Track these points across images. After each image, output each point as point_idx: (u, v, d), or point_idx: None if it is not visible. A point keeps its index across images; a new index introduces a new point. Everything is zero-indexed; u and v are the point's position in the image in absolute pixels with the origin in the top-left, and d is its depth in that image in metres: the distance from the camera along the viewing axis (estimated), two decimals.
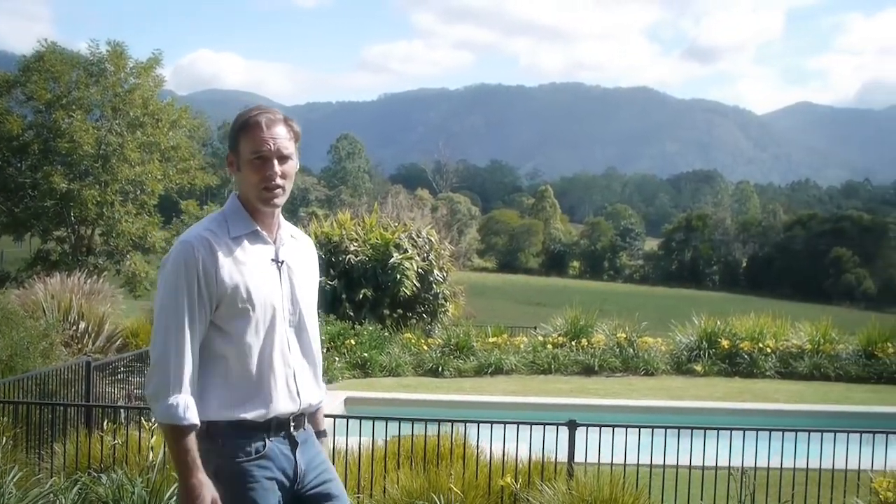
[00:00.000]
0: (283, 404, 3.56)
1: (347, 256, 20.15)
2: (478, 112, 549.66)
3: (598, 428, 7.73)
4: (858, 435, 8.30)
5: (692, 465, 7.89)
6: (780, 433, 8.43)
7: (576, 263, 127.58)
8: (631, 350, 18.44)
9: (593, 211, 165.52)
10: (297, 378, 3.61)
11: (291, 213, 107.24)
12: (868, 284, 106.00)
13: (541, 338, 19.10)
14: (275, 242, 3.65)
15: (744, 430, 7.96)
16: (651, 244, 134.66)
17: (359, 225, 21.19)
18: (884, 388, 17.28)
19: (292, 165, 3.64)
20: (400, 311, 21.00)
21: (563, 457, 7.65)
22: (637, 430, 7.79)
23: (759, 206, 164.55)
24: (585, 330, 19.29)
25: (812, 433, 7.85)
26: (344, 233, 20.73)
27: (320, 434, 3.87)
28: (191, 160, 36.88)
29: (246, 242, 3.56)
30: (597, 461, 7.66)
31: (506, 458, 7.81)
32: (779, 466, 8.84)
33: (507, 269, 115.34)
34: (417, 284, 20.96)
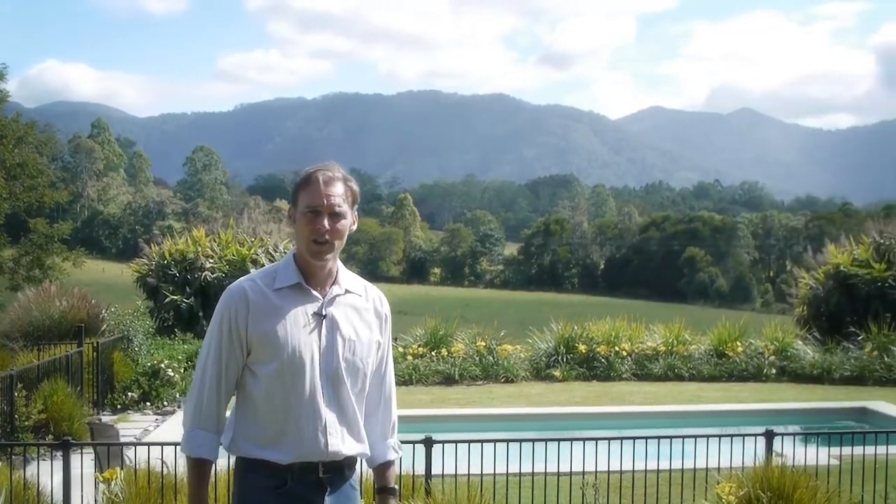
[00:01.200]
0: (307, 450, 3.68)
1: (203, 273, 19.84)
2: (336, 121, 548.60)
3: (454, 444, 7.77)
4: (706, 438, 8.50)
5: (547, 472, 7.98)
6: (632, 441, 8.57)
7: (437, 270, 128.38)
8: (491, 358, 18.59)
9: (453, 217, 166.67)
10: (327, 428, 3.71)
11: (145, 226, 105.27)
12: (720, 283, 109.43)
13: (401, 349, 19.11)
14: (323, 296, 3.78)
15: (596, 439, 8.08)
16: (511, 249, 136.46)
17: (214, 241, 20.89)
18: (733, 387, 17.85)
19: (345, 224, 3.77)
20: None
21: (421, 471, 7.67)
22: (493, 444, 7.87)
23: (614, 208, 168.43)
24: (445, 339, 19.38)
25: (662, 440, 8.01)
26: (199, 249, 20.40)
27: (386, 491, 4.02)
28: (39, 177, 35.63)
29: (288, 294, 3.73)
30: (456, 474, 7.70)
31: (364, 476, 7.78)
32: (631, 469, 9.02)
33: (368, 278, 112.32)
34: None
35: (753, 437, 8.49)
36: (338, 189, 3.76)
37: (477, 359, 18.59)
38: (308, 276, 3.77)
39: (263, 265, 20.35)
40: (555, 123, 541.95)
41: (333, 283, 3.82)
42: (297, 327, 3.70)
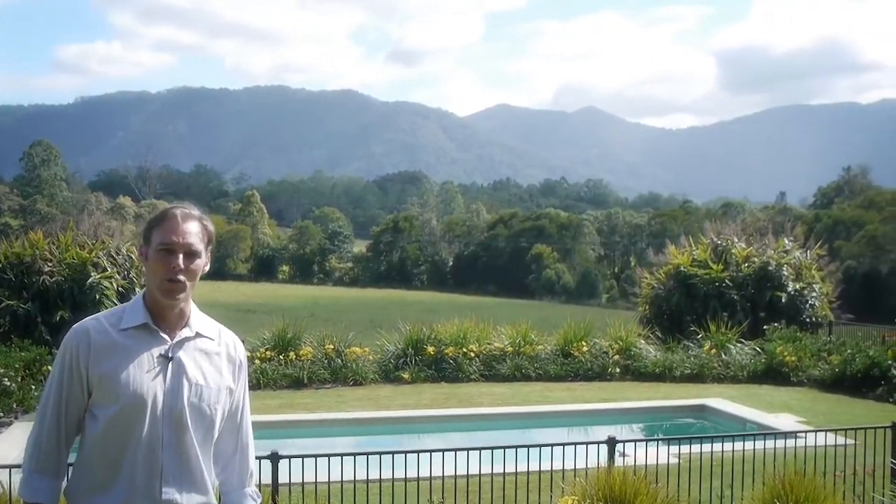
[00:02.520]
0: (139, 498, 3.54)
1: (42, 277, 19.15)
2: (181, 115, 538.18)
3: (300, 459, 7.70)
4: (550, 447, 8.62)
5: (395, 478, 7.97)
6: (478, 451, 8.62)
7: (285, 268, 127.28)
8: (339, 361, 18.49)
9: (301, 215, 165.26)
10: (163, 474, 3.56)
11: None
12: (567, 279, 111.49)
13: (248, 353, 18.82)
14: (172, 339, 3.63)
15: (443, 451, 8.09)
16: (360, 246, 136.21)
17: (53, 244, 20.19)
18: (578, 386, 18.20)
19: (199, 264, 3.65)
20: None
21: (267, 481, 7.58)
22: (339, 458, 7.83)
23: (463, 205, 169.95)
24: (294, 342, 19.19)
25: (508, 449, 8.09)
26: (37, 252, 19.70)
27: None
28: None
29: (134, 335, 3.61)
30: (304, 482, 7.64)
31: None
32: (478, 473, 9.09)
33: (215, 276, 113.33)
34: (118, 303, 20.19)
35: (597, 445, 8.62)
36: (193, 227, 3.65)
37: (326, 362, 18.46)
38: (157, 317, 3.64)
39: (106, 269, 19.85)
40: (403, 120, 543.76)
41: (184, 326, 3.69)
42: (141, 370, 3.58)
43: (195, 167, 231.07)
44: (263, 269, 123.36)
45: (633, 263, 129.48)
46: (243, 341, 3.95)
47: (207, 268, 3.74)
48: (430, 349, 18.99)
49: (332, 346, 18.79)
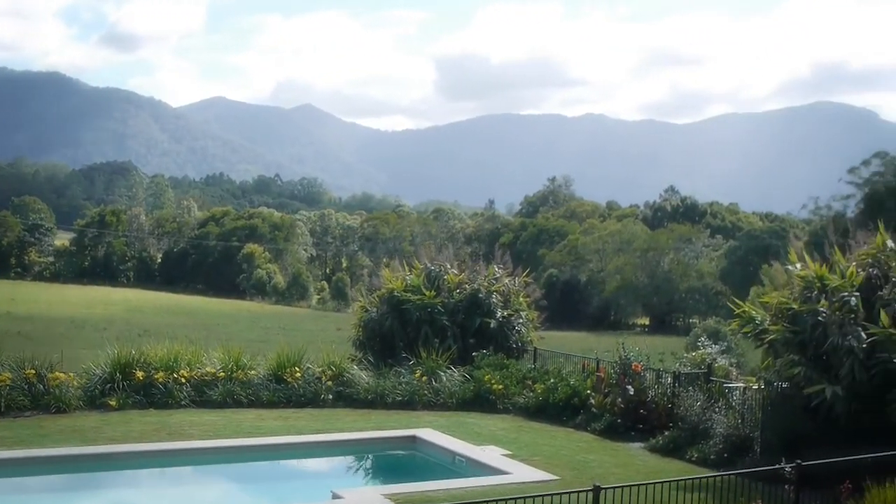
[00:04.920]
0: None
1: None
2: None
3: None
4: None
5: None
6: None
7: None
8: (41, 386, 17.51)
9: None
10: None
11: None
12: (279, 279, 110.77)
13: None
14: None
15: None
16: (63, 239, 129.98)
17: None
18: (292, 414, 18.12)
19: None
20: None
21: None
22: None
23: (174, 200, 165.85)
24: None
25: None
26: None
27: None
28: None
29: None
30: None
31: None
32: None
33: None
34: None
35: None
36: None
37: (25, 387, 17.41)
38: None
39: None
40: (115, 108, 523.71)
41: None
42: None
43: None
44: None
45: (344, 265, 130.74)
46: None
47: None
48: (140, 374, 18.38)
49: (33, 372, 17.73)
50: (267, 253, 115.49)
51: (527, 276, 25.76)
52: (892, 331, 13.40)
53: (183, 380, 18.62)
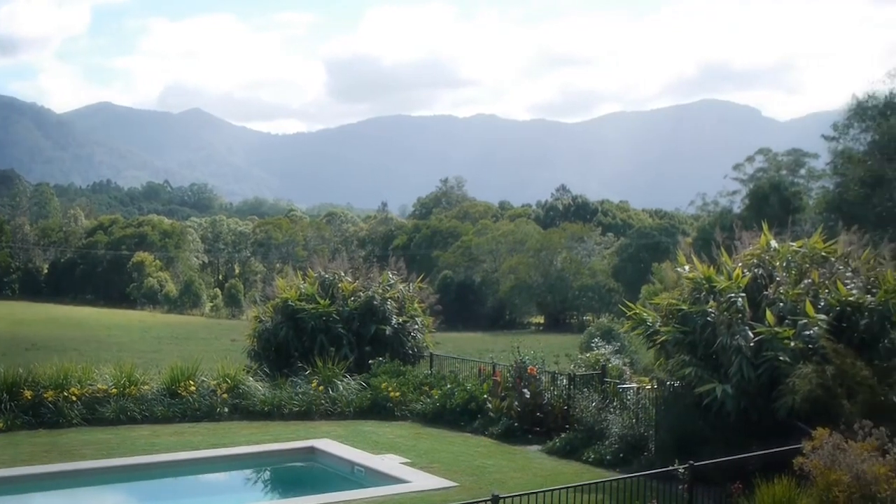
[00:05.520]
0: None
1: None
2: None
3: None
4: None
5: None
6: None
7: None
8: None
9: None
10: None
11: None
12: (170, 288, 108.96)
13: None
14: None
15: None
16: None
17: None
18: (187, 429, 17.86)
19: None
20: None
21: None
22: None
23: (59, 209, 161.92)
24: None
25: None
26: None
27: None
28: None
29: None
30: None
31: None
32: None
33: None
34: None
35: None
36: None
37: None
38: None
39: None
40: None
41: None
42: None
43: None
44: None
45: (236, 271, 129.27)
46: None
47: None
48: (28, 393, 17.92)
49: None
50: (158, 261, 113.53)
51: (421, 280, 25.82)
52: (777, 329, 13.76)
53: (74, 398, 18.20)
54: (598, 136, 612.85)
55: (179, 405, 18.82)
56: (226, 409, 19.04)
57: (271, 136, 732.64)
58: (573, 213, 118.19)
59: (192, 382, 19.41)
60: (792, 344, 13.53)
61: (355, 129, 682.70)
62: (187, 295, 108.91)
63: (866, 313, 13.90)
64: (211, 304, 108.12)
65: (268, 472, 16.27)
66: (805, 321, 13.71)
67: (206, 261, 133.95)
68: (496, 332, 73.93)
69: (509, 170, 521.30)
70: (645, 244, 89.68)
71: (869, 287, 14.48)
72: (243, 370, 21.07)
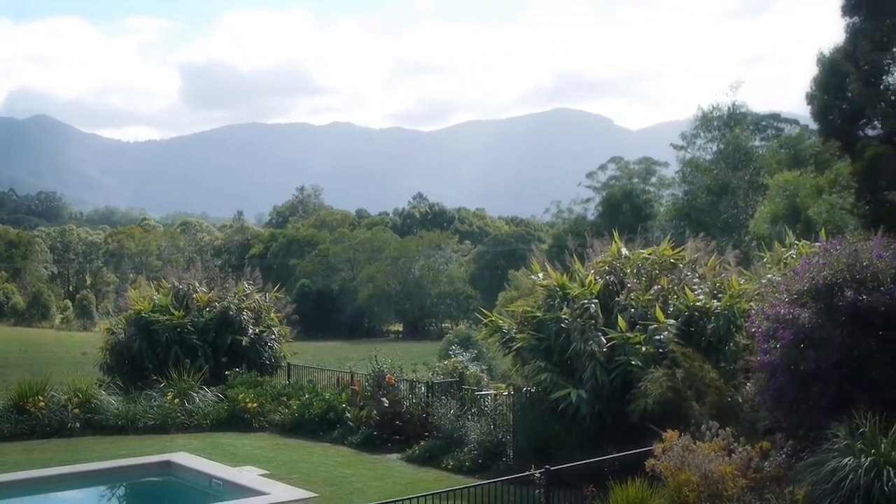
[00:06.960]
0: None
1: None
2: None
3: None
4: None
5: None
6: None
7: None
8: None
9: None
10: None
11: None
12: (17, 300, 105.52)
13: None
14: None
15: None
16: None
17: None
18: (36, 446, 17.33)
19: None
20: None
21: None
22: None
23: None
24: None
25: None
26: None
27: None
28: None
29: None
30: None
31: None
32: None
33: None
34: None
35: None
36: None
37: None
38: None
39: None
40: None
41: None
42: None
43: None
44: None
45: (88, 282, 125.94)
46: None
47: None
48: None
49: None
50: (3, 272, 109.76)
51: (278, 290, 25.63)
52: (629, 334, 14.15)
53: None
54: (456, 145, 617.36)
55: (28, 421, 18.27)
56: (77, 425, 18.55)
57: (122, 143, 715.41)
58: (430, 220, 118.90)
59: (41, 398, 18.83)
60: (643, 349, 13.93)
61: (210, 136, 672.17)
62: (35, 307, 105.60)
63: (713, 318, 14.44)
64: (61, 317, 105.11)
65: (123, 489, 15.91)
66: (655, 326, 14.13)
67: (56, 271, 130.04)
68: (355, 341, 73.77)
69: (367, 178, 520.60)
70: (502, 251, 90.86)
71: (715, 292, 15.04)
72: (96, 384, 20.58)
